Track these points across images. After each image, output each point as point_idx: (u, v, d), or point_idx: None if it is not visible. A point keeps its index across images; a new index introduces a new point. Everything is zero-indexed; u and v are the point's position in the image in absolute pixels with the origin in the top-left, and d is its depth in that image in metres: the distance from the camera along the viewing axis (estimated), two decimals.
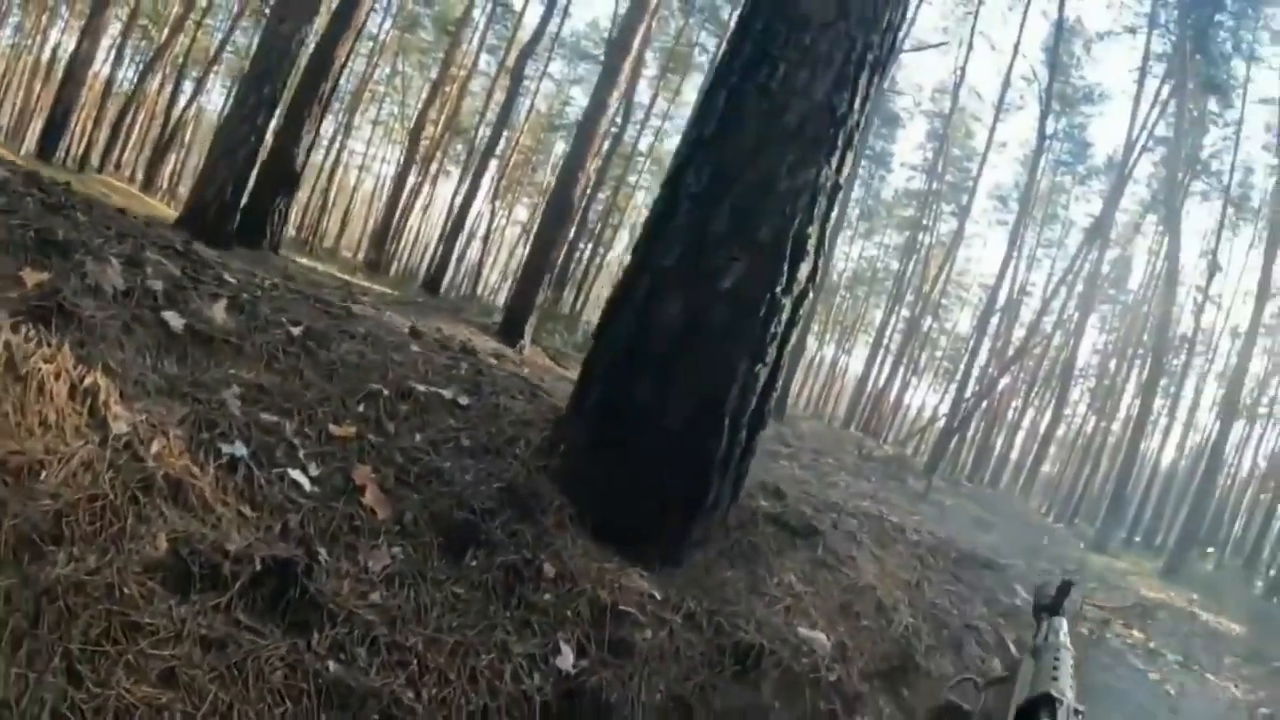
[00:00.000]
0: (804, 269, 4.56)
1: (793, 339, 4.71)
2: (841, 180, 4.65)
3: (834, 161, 4.55)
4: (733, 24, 5.51)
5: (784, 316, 4.53)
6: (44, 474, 3.02)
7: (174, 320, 4.28)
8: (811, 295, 4.74)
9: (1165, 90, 29.42)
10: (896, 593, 5.30)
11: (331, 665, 2.97)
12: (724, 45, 5.01)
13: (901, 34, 5.02)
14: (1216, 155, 33.64)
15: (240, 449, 3.64)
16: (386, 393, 4.57)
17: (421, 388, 4.78)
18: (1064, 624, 2.17)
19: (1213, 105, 31.94)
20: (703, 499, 4.56)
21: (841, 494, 10.02)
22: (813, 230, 4.53)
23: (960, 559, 6.75)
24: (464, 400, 4.90)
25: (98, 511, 2.98)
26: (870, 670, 4.55)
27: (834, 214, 4.73)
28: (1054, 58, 33.77)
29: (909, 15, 28.94)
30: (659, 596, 4.05)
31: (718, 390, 4.42)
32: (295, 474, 3.70)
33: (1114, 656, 7.12)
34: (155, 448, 3.38)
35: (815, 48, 4.50)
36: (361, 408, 4.40)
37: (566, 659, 3.53)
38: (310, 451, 3.91)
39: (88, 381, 3.46)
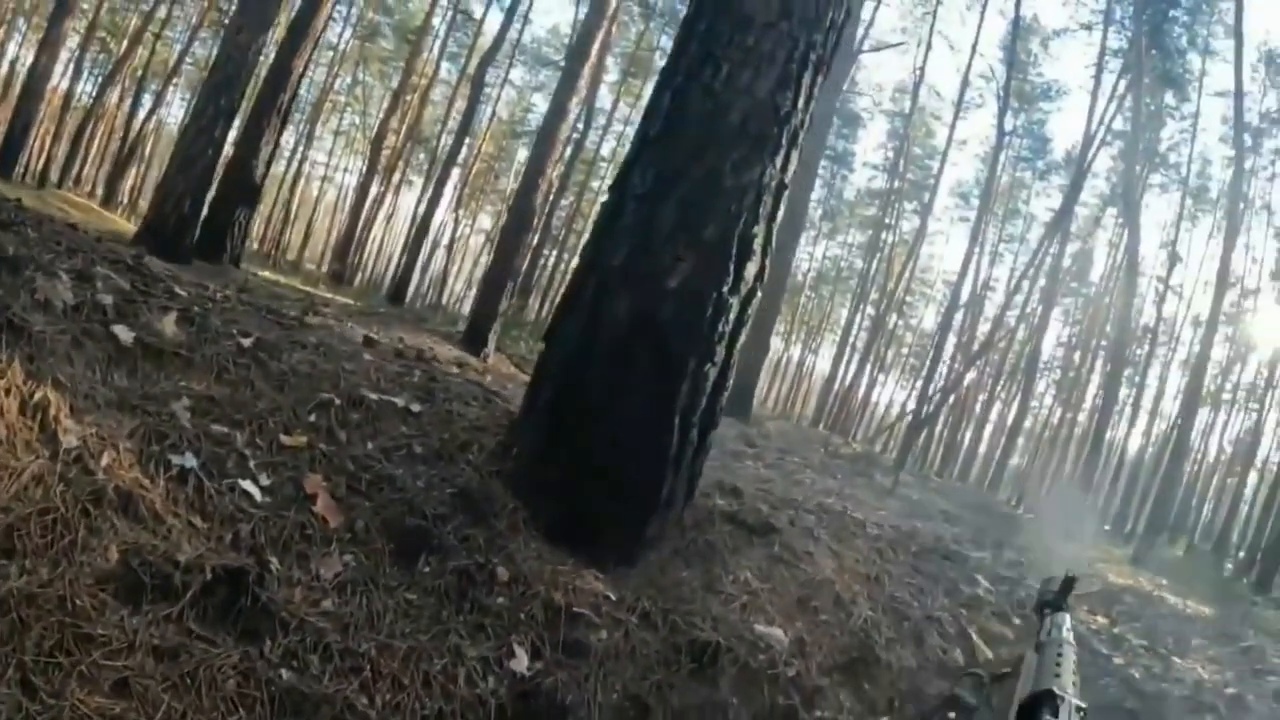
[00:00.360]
0: (751, 268, 4.61)
1: (741, 338, 4.75)
2: (787, 179, 4.70)
3: (779, 160, 4.60)
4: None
5: (732, 315, 4.57)
6: None
7: (124, 334, 4.27)
8: (760, 294, 4.77)
9: (1122, 85, 29.61)
10: (855, 587, 5.33)
11: (284, 673, 2.99)
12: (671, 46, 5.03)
13: (845, 32, 5.05)
14: (1174, 148, 34.40)
15: (190, 460, 3.65)
16: (338, 401, 4.57)
17: (373, 396, 4.78)
18: (1067, 619, 2.18)
19: (1169, 99, 32.46)
20: (656, 496, 4.59)
21: (806, 492, 10.00)
22: (759, 229, 4.58)
23: (920, 551, 6.79)
24: (416, 407, 4.90)
25: (49, 524, 2.99)
26: (829, 664, 4.59)
27: (780, 212, 4.77)
28: (1012, 55, 33.93)
29: (867, 17, 29.27)
30: (614, 597, 4.08)
31: (668, 388, 4.45)
32: (246, 484, 3.71)
33: (1077, 642, 7.15)
34: (105, 460, 3.39)
35: (758, 47, 4.55)
36: (313, 417, 4.39)
37: (521, 661, 3.56)
38: (261, 461, 3.91)
39: (38, 396, 3.46)
